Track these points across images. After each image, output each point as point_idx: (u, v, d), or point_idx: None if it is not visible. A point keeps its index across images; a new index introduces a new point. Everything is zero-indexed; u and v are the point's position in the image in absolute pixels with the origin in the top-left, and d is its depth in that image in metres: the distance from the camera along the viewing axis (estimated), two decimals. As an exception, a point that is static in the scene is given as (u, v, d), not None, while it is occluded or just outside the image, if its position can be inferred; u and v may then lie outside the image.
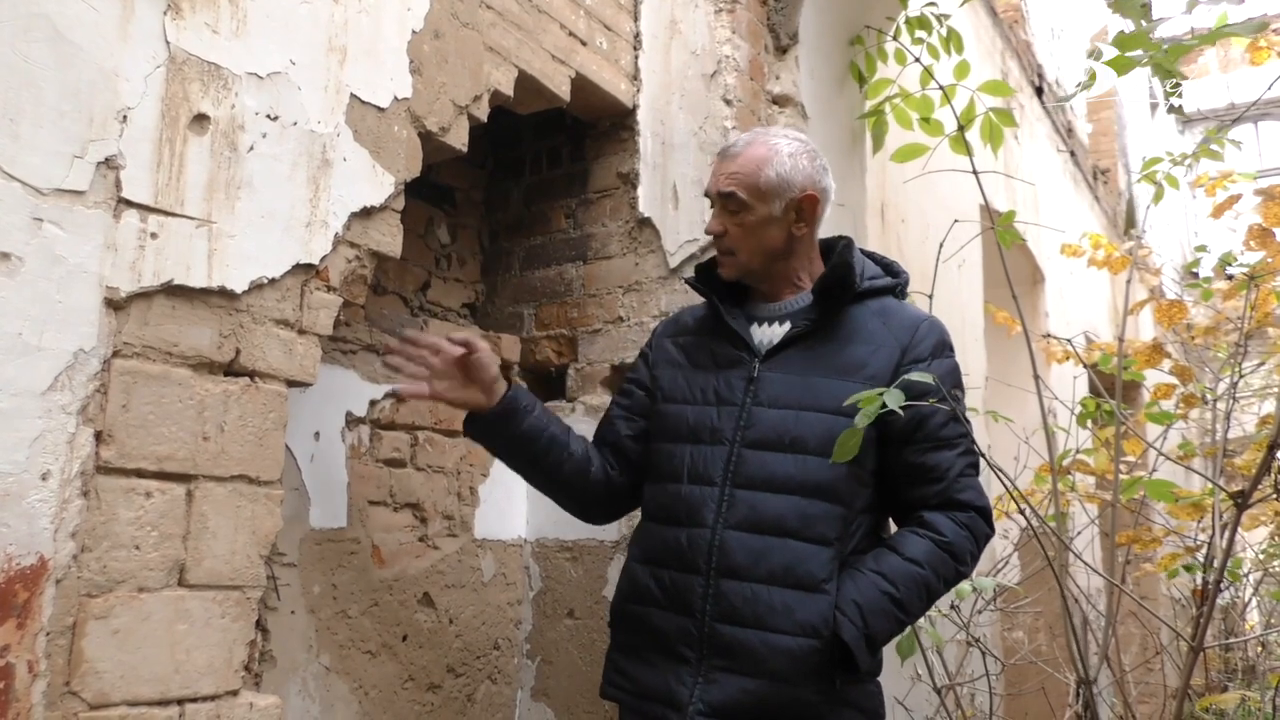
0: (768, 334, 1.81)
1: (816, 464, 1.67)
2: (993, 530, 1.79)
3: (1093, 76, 2.31)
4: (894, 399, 1.52)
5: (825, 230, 1.93)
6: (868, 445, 1.67)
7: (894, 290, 1.86)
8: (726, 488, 1.70)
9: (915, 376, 1.62)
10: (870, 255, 1.91)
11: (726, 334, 1.82)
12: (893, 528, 1.85)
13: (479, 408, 1.78)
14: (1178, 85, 2.48)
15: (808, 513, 1.67)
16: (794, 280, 1.84)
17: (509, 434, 1.80)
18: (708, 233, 1.83)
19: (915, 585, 1.68)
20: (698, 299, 1.99)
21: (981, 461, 1.84)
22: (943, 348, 1.79)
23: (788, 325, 1.80)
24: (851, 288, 1.78)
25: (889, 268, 1.90)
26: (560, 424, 1.86)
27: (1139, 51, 2.14)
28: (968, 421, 1.77)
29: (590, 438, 1.92)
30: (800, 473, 1.67)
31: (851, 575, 1.68)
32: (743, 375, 1.76)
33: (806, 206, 1.79)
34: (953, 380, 1.76)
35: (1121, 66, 2.16)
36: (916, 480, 1.74)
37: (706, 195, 1.85)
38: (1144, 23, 2.19)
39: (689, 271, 2.08)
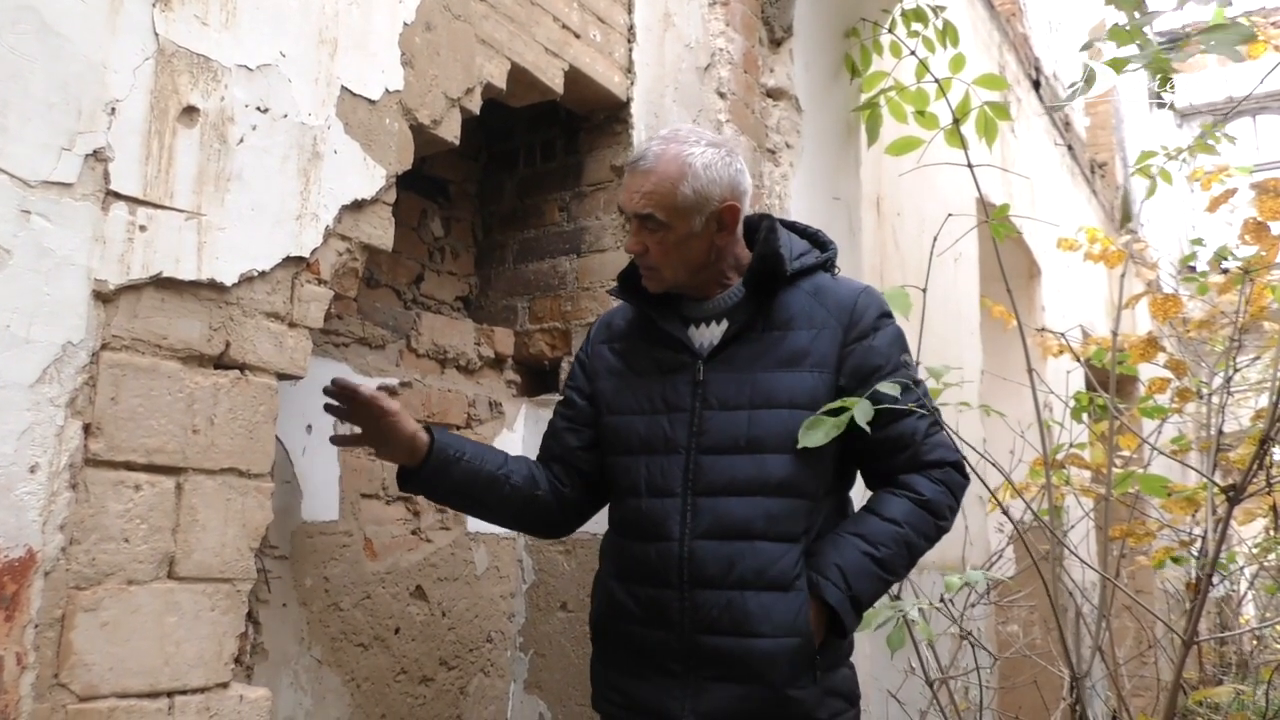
0: (706, 335, 1.78)
1: (776, 462, 1.67)
2: (968, 480, 1.81)
3: (1091, 77, 2.30)
4: (863, 412, 1.58)
5: (820, 223, 1.94)
6: None
7: (824, 266, 1.83)
8: (688, 497, 1.68)
9: (884, 387, 1.66)
10: (793, 226, 1.87)
11: (663, 338, 1.78)
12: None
13: (407, 463, 1.72)
14: (1172, 86, 2.47)
15: (773, 512, 1.66)
16: (721, 280, 1.80)
17: (446, 485, 1.75)
18: (628, 251, 1.78)
19: (896, 543, 1.69)
20: None
21: (974, 456, 1.85)
22: (883, 317, 1.78)
23: (724, 324, 1.77)
24: (783, 276, 1.75)
25: (814, 238, 1.87)
26: (496, 455, 1.81)
27: (1134, 48, 2.14)
28: (918, 384, 1.77)
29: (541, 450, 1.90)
30: (761, 473, 1.67)
31: (831, 540, 1.70)
32: (687, 379, 1.74)
33: (727, 217, 1.74)
34: (900, 346, 1.78)
35: (1119, 66, 2.15)
36: (885, 452, 1.76)
37: (621, 212, 1.79)
38: (1138, 15, 2.19)
39: None
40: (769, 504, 1.66)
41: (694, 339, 1.78)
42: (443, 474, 1.73)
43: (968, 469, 1.83)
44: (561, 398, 1.94)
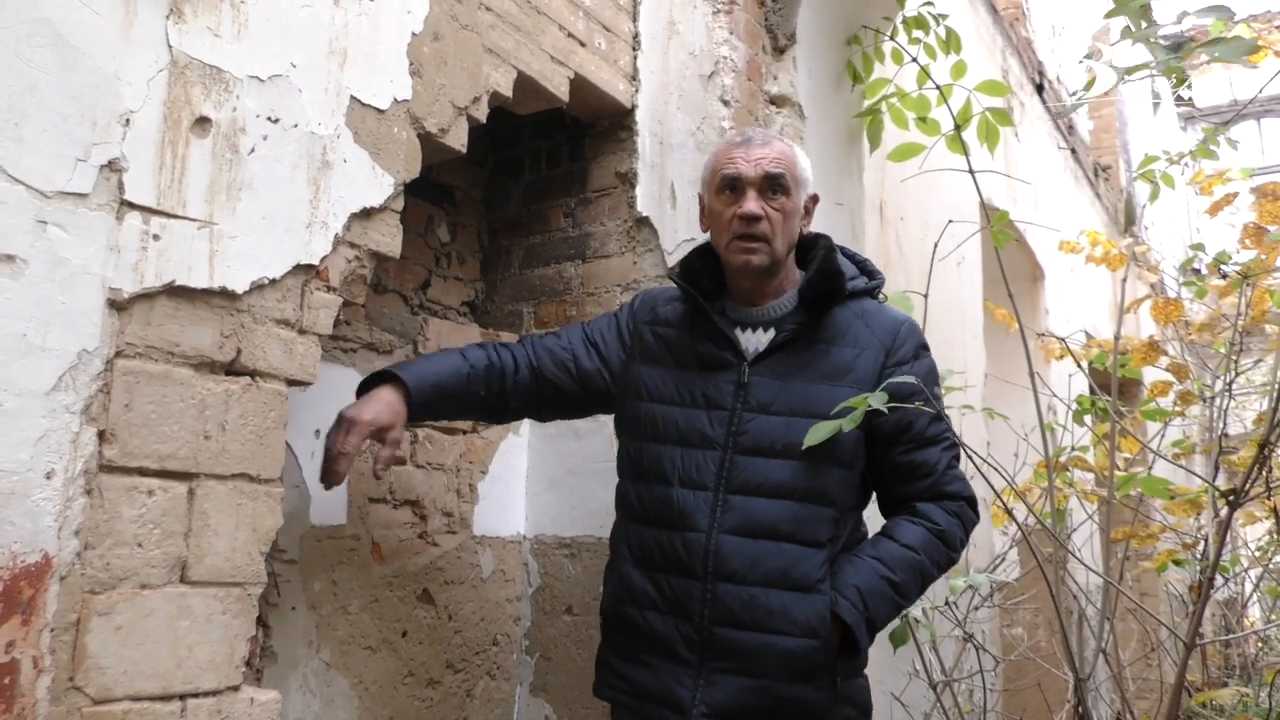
0: (752, 339, 1.82)
1: (810, 469, 1.71)
2: (979, 516, 1.86)
3: (1091, 82, 2.32)
4: (878, 401, 1.61)
5: (823, 228, 1.96)
6: (857, 447, 1.74)
7: (872, 292, 1.89)
8: (720, 493, 1.71)
9: (901, 379, 1.71)
10: (842, 250, 1.92)
11: (712, 334, 1.81)
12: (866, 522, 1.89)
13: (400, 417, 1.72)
14: (1184, 81, 2.49)
15: (800, 516, 1.70)
16: (780, 284, 1.85)
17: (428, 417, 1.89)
18: (745, 215, 1.76)
19: (912, 570, 1.73)
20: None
21: (975, 457, 1.88)
22: (922, 349, 1.84)
23: (771, 331, 1.81)
24: (842, 294, 1.80)
25: (863, 266, 1.92)
26: (457, 371, 1.81)
27: (1147, 53, 2.15)
28: (947, 417, 1.83)
29: (543, 358, 1.90)
30: (794, 478, 1.70)
31: (850, 560, 1.73)
32: (731, 379, 1.77)
33: (812, 206, 1.86)
34: (933, 379, 1.84)
35: (1132, 70, 2.16)
36: (906, 477, 1.80)
37: (734, 181, 1.77)
38: (1144, 23, 2.20)
39: None
40: (798, 508, 1.70)
41: (740, 340, 1.82)
42: (425, 411, 1.80)
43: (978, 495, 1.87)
44: (585, 332, 1.94)
